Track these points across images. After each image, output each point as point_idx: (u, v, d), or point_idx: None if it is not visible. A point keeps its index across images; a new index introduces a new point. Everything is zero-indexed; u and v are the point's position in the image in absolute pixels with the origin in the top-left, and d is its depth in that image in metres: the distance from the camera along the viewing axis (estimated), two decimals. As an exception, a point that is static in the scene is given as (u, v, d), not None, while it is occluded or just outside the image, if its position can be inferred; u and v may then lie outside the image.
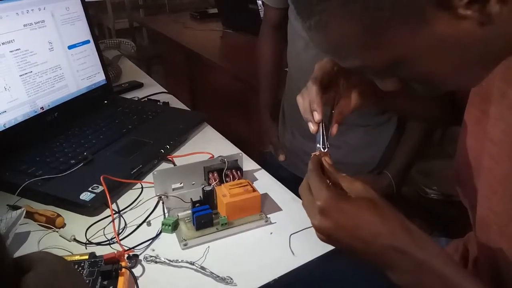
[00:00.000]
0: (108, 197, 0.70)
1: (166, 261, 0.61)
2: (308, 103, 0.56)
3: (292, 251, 0.65)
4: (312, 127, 0.56)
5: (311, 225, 0.48)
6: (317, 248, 0.65)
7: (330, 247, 0.65)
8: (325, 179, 0.49)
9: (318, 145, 0.57)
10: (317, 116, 0.55)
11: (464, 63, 0.42)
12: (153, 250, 0.64)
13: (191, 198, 0.69)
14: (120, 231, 0.68)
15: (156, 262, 0.62)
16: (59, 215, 0.69)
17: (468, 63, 0.42)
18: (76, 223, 0.70)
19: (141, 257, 0.63)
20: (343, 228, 0.45)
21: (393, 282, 0.45)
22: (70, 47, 1.01)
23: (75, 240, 0.66)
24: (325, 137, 0.56)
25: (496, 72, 0.47)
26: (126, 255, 0.61)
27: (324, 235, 0.47)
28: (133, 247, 0.64)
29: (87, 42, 1.07)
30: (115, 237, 0.66)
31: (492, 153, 0.51)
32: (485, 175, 0.52)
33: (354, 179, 0.49)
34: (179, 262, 0.61)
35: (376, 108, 0.60)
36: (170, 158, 0.87)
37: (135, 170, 0.80)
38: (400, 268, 0.44)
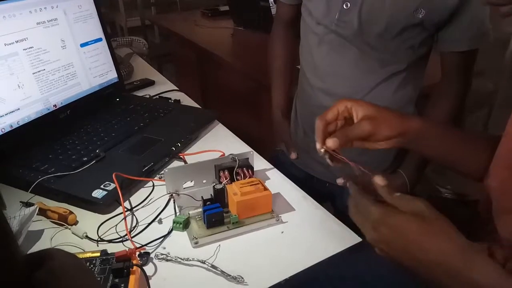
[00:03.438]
0: (120, 195, 0.71)
1: (177, 259, 0.61)
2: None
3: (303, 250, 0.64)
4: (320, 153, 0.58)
5: None
6: (329, 247, 0.64)
7: (342, 247, 0.64)
8: (370, 197, 0.50)
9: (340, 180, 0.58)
10: (317, 145, 0.57)
11: None
12: (164, 248, 0.64)
13: (202, 196, 0.69)
14: (132, 228, 0.68)
15: (167, 260, 0.61)
16: (71, 212, 0.69)
17: None
18: (88, 221, 0.70)
19: (152, 255, 0.63)
20: (393, 244, 0.46)
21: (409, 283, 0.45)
22: (82, 45, 1.02)
23: (87, 237, 0.66)
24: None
25: None
26: (137, 253, 0.61)
27: (380, 250, 0.48)
28: (145, 245, 0.64)
29: (99, 40, 1.07)
30: (126, 235, 0.66)
31: None
32: None
33: (413, 198, 0.48)
34: (190, 260, 0.61)
35: (396, 147, 0.58)
36: (181, 156, 0.87)
37: (147, 167, 0.80)
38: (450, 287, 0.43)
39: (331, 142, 0.55)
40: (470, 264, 0.42)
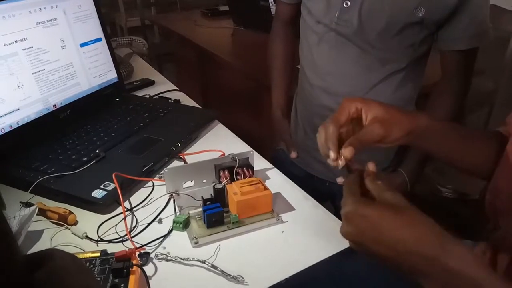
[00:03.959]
0: (120, 195, 0.71)
1: (177, 259, 0.61)
2: (324, 138, 0.55)
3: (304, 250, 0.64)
4: (331, 163, 0.54)
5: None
6: (330, 246, 0.64)
7: (342, 246, 0.64)
8: (355, 188, 0.49)
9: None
10: (332, 155, 0.54)
11: None
12: (164, 248, 0.64)
13: (202, 196, 0.69)
14: (132, 228, 0.68)
15: (167, 260, 0.61)
16: (71, 213, 0.69)
17: None
18: (88, 221, 0.70)
19: (152, 255, 0.63)
20: (365, 234, 0.45)
21: (410, 283, 0.44)
22: (82, 45, 1.02)
23: (87, 237, 0.66)
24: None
25: None
26: (137, 253, 0.61)
27: (350, 241, 0.47)
28: (145, 245, 0.64)
29: (99, 40, 1.07)
30: (126, 235, 0.65)
31: None
32: None
33: (385, 188, 0.48)
34: (190, 260, 0.61)
35: (401, 144, 0.57)
36: (181, 156, 0.87)
37: (147, 167, 0.80)
38: (430, 275, 0.43)
39: (348, 152, 0.52)
40: (447, 250, 0.42)
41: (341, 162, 0.53)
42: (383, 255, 0.45)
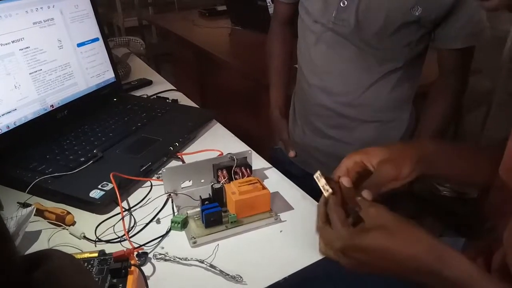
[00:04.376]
0: (118, 195, 0.70)
1: (176, 259, 0.61)
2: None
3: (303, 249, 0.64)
4: None
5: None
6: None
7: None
8: (341, 212, 0.51)
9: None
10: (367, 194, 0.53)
11: None
12: (163, 248, 0.64)
13: (200, 196, 0.69)
14: (130, 228, 0.68)
15: (165, 260, 0.61)
16: (69, 213, 0.69)
17: None
18: (86, 221, 0.70)
19: (150, 255, 0.62)
20: (367, 264, 0.48)
21: (409, 283, 0.45)
22: (79, 45, 1.02)
23: (84, 237, 0.66)
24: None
25: None
26: (135, 253, 0.61)
27: (353, 270, 0.49)
28: (143, 245, 0.64)
29: (96, 40, 1.07)
30: (124, 235, 0.65)
31: None
32: None
33: (369, 204, 0.50)
34: (189, 260, 0.61)
35: (416, 178, 0.58)
36: (179, 156, 0.87)
37: (145, 167, 0.80)
38: (432, 286, 0.45)
39: (367, 195, 0.52)
40: (439, 262, 0.44)
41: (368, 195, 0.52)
42: (389, 275, 0.47)
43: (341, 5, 0.87)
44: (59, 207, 0.71)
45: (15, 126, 0.85)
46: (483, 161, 0.64)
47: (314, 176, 0.55)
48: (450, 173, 0.63)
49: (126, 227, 0.68)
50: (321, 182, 0.54)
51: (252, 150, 0.80)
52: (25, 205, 0.71)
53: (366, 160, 0.56)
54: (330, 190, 0.53)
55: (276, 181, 0.81)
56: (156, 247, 0.64)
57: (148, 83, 1.27)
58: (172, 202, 0.73)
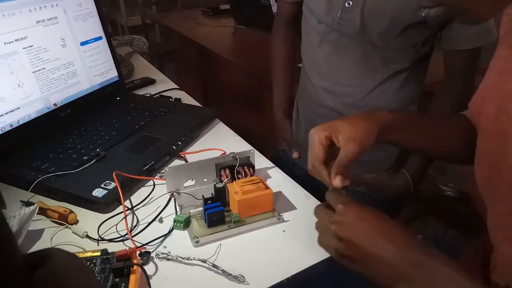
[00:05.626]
0: (121, 194, 0.70)
1: (178, 258, 0.61)
2: (318, 174, 0.59)
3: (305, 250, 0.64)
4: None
5: None
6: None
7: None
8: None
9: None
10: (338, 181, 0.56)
11: None
12: (165, 247, 0.64)
13: (202, 195, 0.69)
14: (132, 227, 0.68)
15: (168, 259, 0.61)
16: (71, 212, 0.69)
17: None
18: (88, 220, 0.70)
19: (153, 254, 0.62)
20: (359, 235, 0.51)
21: None
22: (82, 44, 1.02)
23: (87, 236, 0.66)
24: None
25: None
26: (138, 252, 0.60)
27: (347, 258, 0.52)
28: (145, 244, 0.64)
29: (100, 38, 1.07)
30: (127, 234, 0.65)
31: None
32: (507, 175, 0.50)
33: (337, 200, 0.53)
34: (191, 259, 0.60)
35: (380, 143, 0.60)
36: (182, 155, 0.87)
37: (147, 166, 0.79)
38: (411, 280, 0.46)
39: (338, 182, 0.55)
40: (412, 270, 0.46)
41: (340, 182, 0.56)
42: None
43: (346, 5, 0.86)
44: (62, 206, 0.71)
45: (18, 124, 0.85)
46: (443, 129, 0.67)
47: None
48: (411, 140, 0.66)
49: (129, 226, 0.68)
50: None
51: (255, 149, 0.80)
52: (28, 203, 0.71)
53: (333, 135, 0.59)
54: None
55: (279, 180, 0.81)
56: (158, 246, 0.64)
57: (151, 82, 1.27)
58: (174, 201, 0.73)
